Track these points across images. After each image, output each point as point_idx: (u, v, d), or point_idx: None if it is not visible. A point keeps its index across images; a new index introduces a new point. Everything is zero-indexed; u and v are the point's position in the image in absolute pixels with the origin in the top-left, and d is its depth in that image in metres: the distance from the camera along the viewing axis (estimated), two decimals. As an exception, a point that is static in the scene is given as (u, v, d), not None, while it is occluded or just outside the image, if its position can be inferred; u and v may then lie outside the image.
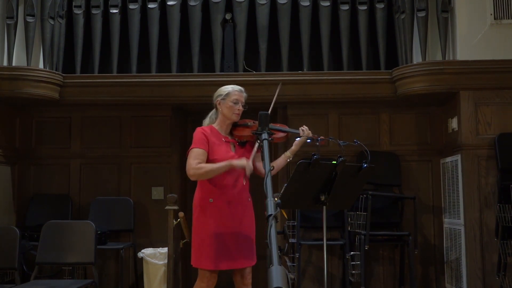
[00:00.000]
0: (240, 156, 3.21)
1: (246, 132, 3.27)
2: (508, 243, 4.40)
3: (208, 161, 3.19)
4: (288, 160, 3.32)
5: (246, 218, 3.26)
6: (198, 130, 3.27)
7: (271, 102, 3.35)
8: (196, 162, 3.13)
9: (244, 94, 3.34)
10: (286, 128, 3.35)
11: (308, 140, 3.33)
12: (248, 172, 3.09)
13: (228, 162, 3.12)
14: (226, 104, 3.27)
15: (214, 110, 3.39)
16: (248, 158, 3.17)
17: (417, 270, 5.16)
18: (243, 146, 3.31)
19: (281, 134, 3.29)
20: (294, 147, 3.30)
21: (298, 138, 3.32)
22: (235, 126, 3.33)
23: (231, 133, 3.34)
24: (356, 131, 5.29)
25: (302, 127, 3.29)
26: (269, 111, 3.17)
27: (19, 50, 5.12)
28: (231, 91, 3.29)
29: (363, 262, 4.69)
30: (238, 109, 3.27)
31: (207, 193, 3.21)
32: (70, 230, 4.16)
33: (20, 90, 4.90)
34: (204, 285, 3.19)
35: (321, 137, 3.31)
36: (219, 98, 3.31)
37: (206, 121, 3.42)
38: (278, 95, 3.36)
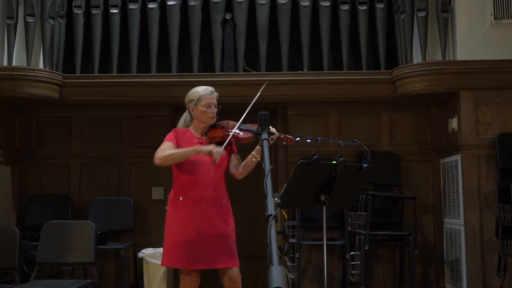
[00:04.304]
0: (210, 158, 3.17)
1: (218, 133, 3.24)
2: (508, 243, 4.40)
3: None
4: (254, 160, 3.11)
5: (220, 219, 3.18)
6: (172, 130, 3.33)
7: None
8: (162, 148, 3.17)
9: (215, 94, 3.31)
10: (252, 128, 3.13)
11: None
12: (217, 157, 3.00)
13: (194, 147, 3.12)
14: (198, 109, 3.26)
15: (187, 112, 3.36)
16: (222, 158, 3.17)
17: (417, 270, 5.17)
18: (218, 146, 3.22)
19: (249, 134, 3.15)
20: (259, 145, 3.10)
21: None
22: (211, 127, 3.31)
23: (206, 134, 3.32)
24: (356, 131, 5.29)
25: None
26: (248, 108, 3.13)
27: (19, 50, 5.12)
28: (202, 96, 3.26)
29: (363, 262, 4.69)
30: (212, 112, 3.26)
31: (178, 191, 3.22)
32: (70, 230, 4.16)
33: (20, 90, 4.90)
34: (187, 285, 3.18)
35: (288, 136, 3.20)
36: (191, 104, 3.28)
37: (180, 125, 3.39)
38: (259, 95, 3.21)
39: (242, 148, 3.37)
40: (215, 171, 3.17)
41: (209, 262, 3.13)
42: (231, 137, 3.16)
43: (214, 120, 3.29)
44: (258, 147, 3.09)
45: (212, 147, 3.06)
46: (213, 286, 4.10)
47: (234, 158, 3.31)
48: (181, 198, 3.19)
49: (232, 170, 3.27)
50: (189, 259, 3.12)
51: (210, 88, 3.32)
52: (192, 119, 3.34)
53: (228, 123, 3.27)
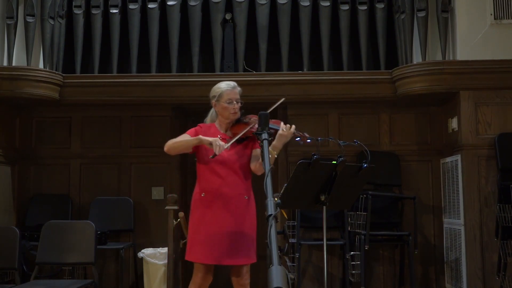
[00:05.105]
0: (234, 153, 3.21)
1: (241, 129, 3.23)
2: (508, 243, 4.40)
3: (201, 156, 3.24)
4: (270, 156, 3.05)
5: (242, 216, 3.21)
6: (198, 125, 3.36)
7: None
8: (176, 138, 3.24)
9: (238, 89, 3.31)
10: (272, 125, 3.14)
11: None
12: (216, 150, 3.01)
13: (198, 136, 3.16)
14: (220, 105, 3.26)
15: (213, 108, 3.39)
16: (243, 154, 3.21)
17: (417, 270, 5.16)
18: (240, 142, 3.27)
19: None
20: (275, 141, 3.12)
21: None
22: (235, 122, 3.31)
23: (230, 130, 3.32)
24: (356, 131, 5.29)
25: (283, 125, 3.13)
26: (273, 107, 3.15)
27: (19, 50, 5.12)
28: (223, 91, 3.26)
29: (363, 262, 4.69)
30: (234, 108, 3.25)
31: (201, 188, 3.25)
32: (70, 230, 4.15)
33: (20, 90, 4.90)
34: (198, 280, 3.20)
35: (305, 135, 3.18)
36: (213, 100, 3.30)
37: (208, 119, 3.43)
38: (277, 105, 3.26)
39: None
40: (235, 167, 3.19)
41: (221, 259, 3.16)
42: (245, 133, 3.16)
43: (237, 115, 3.28)
44: (274, 142, 3.11)
45: (214, 139, 3.06)
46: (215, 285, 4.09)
47: (257, 154, 3.28)
48: (203, 195, 3.23)
49: (252, 165, 3.27)
50: (203, 254, 3.16)
51: (232, 84, 3.31)
52: (217, 114, 3.36)
53: (250, 119, 3.25)
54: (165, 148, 3.22)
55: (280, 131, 3.11)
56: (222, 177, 3.19)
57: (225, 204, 3.18)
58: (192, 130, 3.31)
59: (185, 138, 3.23)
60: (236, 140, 3.23)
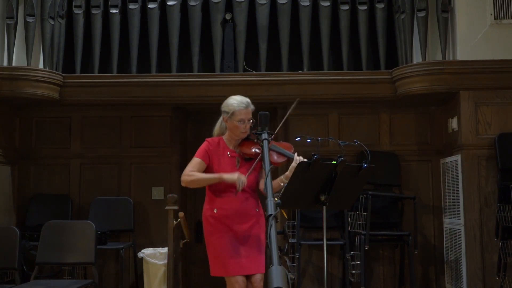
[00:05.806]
0: (245, 171, 3.22)
1: (249, 149, 3.25)
2: (508, 243, 4.40)
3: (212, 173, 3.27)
4: (282, 184, 3.20)
5: (255, 227, 3.26)
6: (205, 141, 3.34)
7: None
8: (190, 169, 3.25)
9: (251, 107, 3.27)
10: (286, 151, 3.24)
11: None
12: (239, 186, 3.09)
13: (219, 175, 3.19)
14: (232, 123, 3.25)
15: (222, 118, 3.37)
16: (252, 172, 3.22)
17: (417, 270, 5.16)
18: (249, 161, 3.29)
19: (281, 159, 3.23)
20: (288, 172, 3.18)
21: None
22: (244, 139, 3.32)
23: (238, 147, 3.33)
24: (356, 131, 5.29)
25: (298, 157, 3.17)
26: (279, 127, 3.27)
27: (19, 50, 5.12)
28: (236, 111, 3.22)
29: (363, 262, 4.70)
30: (245, 127, 3.25)
31: (212, 204, 3.29)
32: (70, 230, 4.16)
33: (20, 90, 4.90)
34: None
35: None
36: (225, 116, 3.28)
37: (216, 130, 3.42)
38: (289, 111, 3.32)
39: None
40: (246, 184, 3.20)
41: (241, 269, 3.19)
42: (258, 161, 3.18)
43: (247, 134, 3.29)
44: (287, 173, 3.16)
45: (235, 176, 3.11)
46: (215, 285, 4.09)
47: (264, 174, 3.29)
48: (215, 211, 3.25)
49: (261, 185, 3.30)
50: (235, 267, 3.18)
51: (245, 102, 3.27)
52: (227, 127, 3.35)
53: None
54: (183, 184, 3.27)
55: (294, 164, 3.11)
56: (233, 193, 3.18)
57: (239, 218, 3.22)
58: (201, 150, 3.30)
59: (196, 165, 3.24)
60: (245, 158, 3.28)
